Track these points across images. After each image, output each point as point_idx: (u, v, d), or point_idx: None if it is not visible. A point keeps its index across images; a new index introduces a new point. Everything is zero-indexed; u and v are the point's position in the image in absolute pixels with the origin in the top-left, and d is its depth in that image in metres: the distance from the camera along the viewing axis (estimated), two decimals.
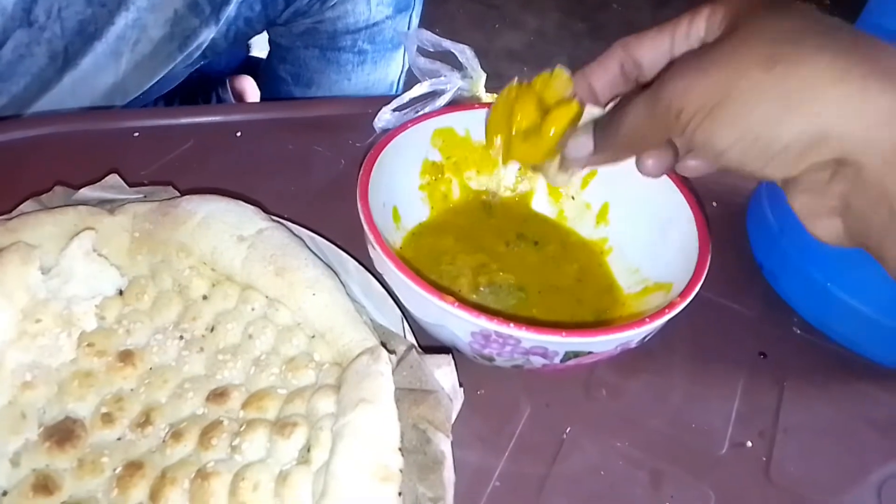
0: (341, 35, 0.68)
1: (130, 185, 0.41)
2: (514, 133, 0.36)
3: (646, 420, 0.37)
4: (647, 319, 0.32)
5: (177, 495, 0.29)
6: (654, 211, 0.40)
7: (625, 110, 0.29)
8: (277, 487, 0.27)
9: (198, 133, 0.50)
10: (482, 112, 0.44)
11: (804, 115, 0.23)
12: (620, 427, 0.37)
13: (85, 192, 0.40)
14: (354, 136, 0.53)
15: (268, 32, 0.71)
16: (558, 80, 0.35)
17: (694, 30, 0.29)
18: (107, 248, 0.37)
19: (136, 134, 0.50)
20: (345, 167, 0.51)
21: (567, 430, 0.36)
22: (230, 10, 0.59)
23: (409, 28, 0.71)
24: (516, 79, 0.37)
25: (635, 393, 0.39)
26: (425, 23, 0.72)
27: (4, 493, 0.30)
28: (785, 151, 0.24)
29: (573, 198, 0.44)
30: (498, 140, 0.37)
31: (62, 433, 0.32)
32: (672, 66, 0.27)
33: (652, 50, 0.31)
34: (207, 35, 0.59)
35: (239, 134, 0.51)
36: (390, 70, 0.73)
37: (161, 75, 0.59)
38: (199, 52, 0.60)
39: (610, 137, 0.30)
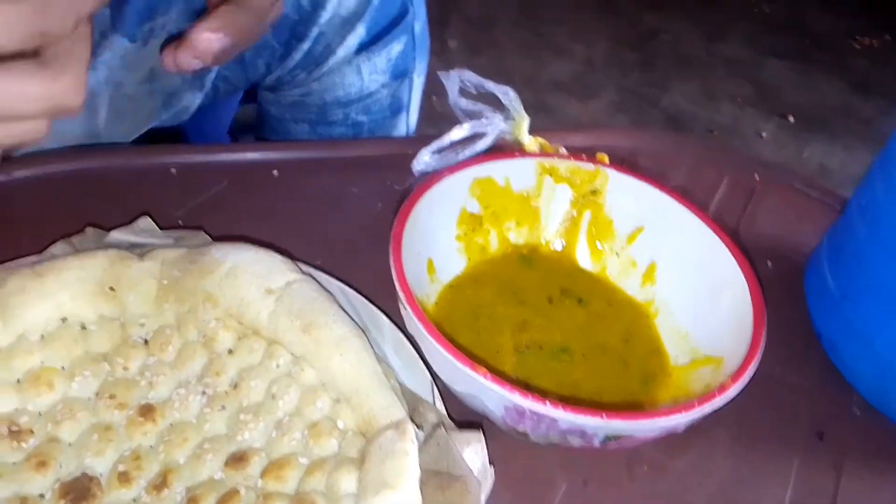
0: (331, 108, 0.62)
1: (162, 227, 0.41)
2: None
3: (689, 496, 0.35)
4: (696, 403, 0.29)
5: None
6: (705, 273, 0.38)
7: None
8: None
9: (234, 171, 0.50)
10: (523, 161, 0.43)
11: None
12: None
13: (115, 235, 0.40)
14: (392, 177, 0.51)
15: (259, 101, 0.67)
16: None
17: None
18: (133, 296, 0.37)
19: (174, 170, 0.50)
20: (381, 210, 0.49)
21: None
22: (212, 74, 0.56)
23: (410, 91, 0.65)
24: None
25: (680, 472, 0.36)
26: (469, 52, 0.71)
27: None
28: None
29: (618, 254, 0.42)
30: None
31: (78, 491, 0.31)
32: None
33: None
34: (193, 100, 0.57)
35: (276, 173, 0.50)
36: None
37: (147, 128, 0.57)
38: (187, 116, 0.58)
39: None
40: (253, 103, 0.70)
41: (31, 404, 0.33)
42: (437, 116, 0.71)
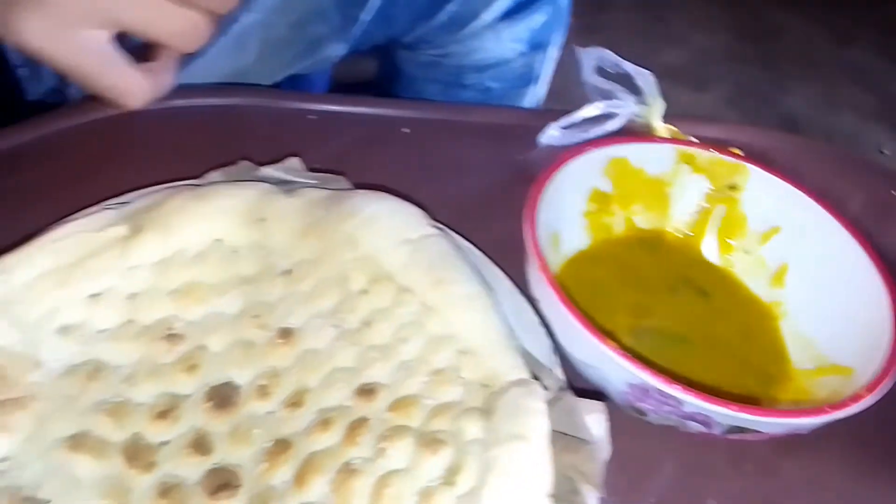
0: (466, 72, 0.64)
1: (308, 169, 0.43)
2: None
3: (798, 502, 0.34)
4: (828, 409, 0.29)
5: (320, 483, 0.30)
6: (842, 282, 0.37)
7: None
8: (420, 502, 0.27)
9: (368, 124, 0.52)
10: (662, 147, 0.43)
11: None
12: None
13: (266, 171, 0.43)
14: (517, 148, 0.52)
15: (394, 57, 0.68)
16: None
17: None
18: (280, 229, 0.39)
19: (312, 117, 0.52)
20: (503, 179, 0.50)
21: (706, 503, 0.34)
22: (360, 27, 0.57)
23: (543, 63, 0.65)
24: None
25: (788, 474, 0.36)
26: (584, 31, 0.70)
27: (163, 443, 0.32)
28: None
29: (748, 252, 0.41)
30: None
31: (221, 397, 0.34)
32: None
33: None
34: (337, 51, 0.58)
35: (407, 130, 0.52)
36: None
37: (290, 73, 0.59)
38: (327, 66, 0.59)
39: None
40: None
41: (183, 314, 0.36)
42: (559, 92, 0.71)
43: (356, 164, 0.47)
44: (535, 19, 0.59)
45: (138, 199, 0.38)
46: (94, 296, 0.35)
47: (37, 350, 0.32)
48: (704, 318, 0.39)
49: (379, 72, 0.70)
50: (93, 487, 0.29)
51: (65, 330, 0.33)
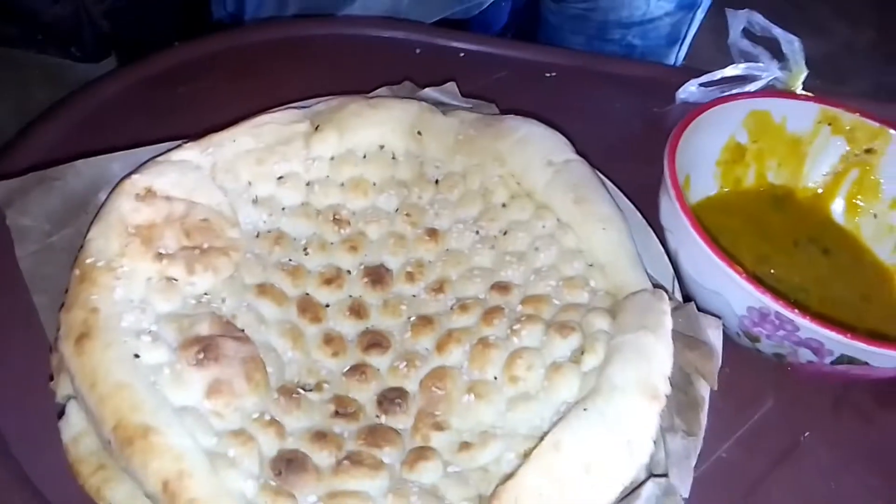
0: (612, 27, 0.65)
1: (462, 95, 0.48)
2: None
3: (893, 453, 0.36)
4: None
5: (459, 352, 0.35)
6: None
7: None
8: (548, 373, 0.32)
9: (515, 65, 0.56)
10: (806, 104, 0.44)
11: None
12: (863, 451, 0.36)
13: (427, 91, 0.47)
14: (654, 101, 0.54)
15: (540, 7, 0.70)
16: None
17: None
18: (434, 143, 0.44)
19: (462, 55, 0.57)
20: (638, 128, 0.53)
21: (805, 435, 0.36)
22: None
23: (690, 24, 0.66)
24: None
25: (886, 423, 0.37)
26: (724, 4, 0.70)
27: (327, 305, 0.38)
28: None
29: (876, 216, 0.42)
30: None
31: (376, 276, 0.39)
32: None
33: None
34: None
35: (551, 75, 0.55)
36: None
37: (442, 15, 0.62)
38: (476, 11, 0.63)
39: None
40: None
41: (349, 204, 0.42)
42: (698, 55, 0.72)
43: (501, 100, 0.51)
44: None
45: (320, 103, 0.44)
46: (280, 178, 0.41)
47: (236, 213, 0.38)
48: (825, 276, 0.41)
49: (520, 19, 0.73)
50: (275, 326, 0.35)
51: (257, 201, 0.40)
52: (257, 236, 0.39)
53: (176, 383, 0.29)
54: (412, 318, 0.37)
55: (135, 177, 0.36)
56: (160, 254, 0.34)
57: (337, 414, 0.32)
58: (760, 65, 0.54)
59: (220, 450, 0.28)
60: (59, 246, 0.36)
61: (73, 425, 0.29)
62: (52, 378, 0.32)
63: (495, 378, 0.33)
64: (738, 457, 0.35)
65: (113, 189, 0.35)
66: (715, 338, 0.32)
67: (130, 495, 0.27)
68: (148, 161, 0.37)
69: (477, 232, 0.41)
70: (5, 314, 0.36)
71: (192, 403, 0.29)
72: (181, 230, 0.35)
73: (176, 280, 0.34)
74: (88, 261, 0.32)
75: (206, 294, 0.35)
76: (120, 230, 0.33)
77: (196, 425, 0.28)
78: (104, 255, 0.32)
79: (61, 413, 0.30)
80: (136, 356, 0.29)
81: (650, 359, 0.29)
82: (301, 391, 0.33)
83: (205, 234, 0.36)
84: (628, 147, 0.49)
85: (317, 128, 0.42)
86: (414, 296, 0.39)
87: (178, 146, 0.39)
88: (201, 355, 0.30)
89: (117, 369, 0.28)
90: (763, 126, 0.43)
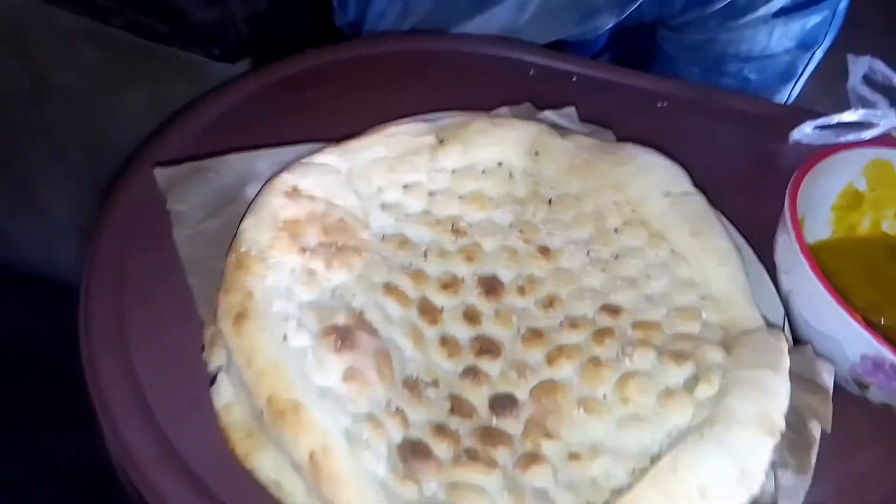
0: (729, 60, 0.65)
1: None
2: None
3: None
4: None
5: (570, 367, 0.36)
6: None
7: None
8: (661, 398, 0.33)
9: (626, 92, 0.57)
10: None
11: None
12: None
13: (545, 114, 0.49)
14: (768, 139, 0.54)
15: (658, 36, 0.71)
16: None
17: None
18: (551, 164, 0.46)
19: (574, 78, 0.58)
20: (749, 165, 0.53)
21: None
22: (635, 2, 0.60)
23: (808, 63, 0.66)
24: None
25: None
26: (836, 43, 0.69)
27: (442, 309, 0.40)
28: None
29: None
30: None
31: (489, 286, 0.41)
32: None
33: None
34: (607, 22, 0.62)
35: (663, 105, 0.56)
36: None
37: (556, 38, 0.64)
38: (593, 35, 0.64)
39: None
40: None
41: (467, 215, 0.44)
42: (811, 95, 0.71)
43: (612, 127, 0.53)
44: (811, 19, 0.60)
45: (445, 118, 0.47)
46: (406, 186, 0.43)
47: (367, 216, 0.41)
48: None
49: (634, 46, 0.74)
50: (399, 324, 0.38)
51: (385, 207, 0.42)
52: (383, 239, 0.41)
53: (318, 366, 0.32)
54: (522, 331, 0.39)
55: (284, 175, 0.39)
56: (303, 248, 0.37)
57: (453, 411, 0.35)
58: (878, 112, 0.53)
59: (355, 431, 0.30)
60: (210, 233, 0.40)
61: (224, 394, 0.32)
62: (203, 349, 0.35)
63: (604, 396, 0.35)
64: (838, 502, 0.35)
65: (264, 185, 0.39)
66: (828, 382, 0.33)
67: (274, 463, 0.30)
68: (293, 162, 0.41)
69: (588, 254, 0.42)
70: (167, 291, 0.39)
71: (331, 385, 0.32)
72: (321, 228, 0.38)
73: (315, 273, 0.37)
74: (243, 249, 0.35)
75: (337, 288, 0.38)
76: (271, 224, 0.36)
77: (335, 406, 0.31)
78: (256, 246, 0.36)
79: (212, 381, 0.33)
80: (285, 338, 0.32)
81: (770, 395, 0.30)
82: (421, 387, 0.35)
83: (341, 234, 0.39)
84: (739, 182, 0.50)
85: (441, 141, 0.45)
86: (524, 309, 0.40)
87: (319, 150, 0.42)
88: (339, 343, 0.33)
89: (271, 349, 0.31)
90: (883, 175, 0.43)
